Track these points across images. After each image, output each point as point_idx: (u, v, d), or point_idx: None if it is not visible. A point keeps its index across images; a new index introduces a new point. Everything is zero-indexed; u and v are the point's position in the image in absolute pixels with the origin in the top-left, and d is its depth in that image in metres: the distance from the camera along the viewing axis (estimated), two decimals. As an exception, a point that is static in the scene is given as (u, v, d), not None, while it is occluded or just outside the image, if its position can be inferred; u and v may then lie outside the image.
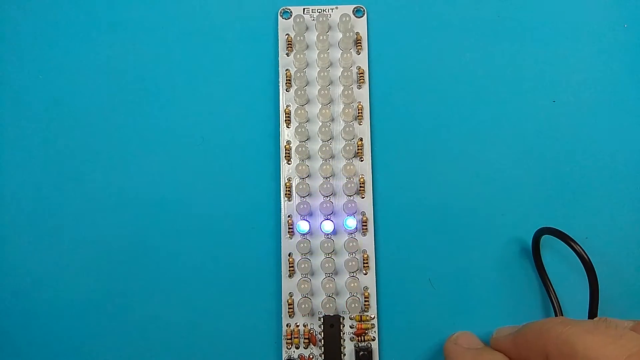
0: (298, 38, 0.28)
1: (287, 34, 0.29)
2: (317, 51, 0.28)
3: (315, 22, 0.29)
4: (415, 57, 0.29)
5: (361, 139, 0.28)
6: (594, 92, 0.29)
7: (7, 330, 0.27)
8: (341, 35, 0.29)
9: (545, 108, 0.29)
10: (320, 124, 0.28)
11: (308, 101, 0.28)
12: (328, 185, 0.27)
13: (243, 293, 0.27)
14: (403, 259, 0.28)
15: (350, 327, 0.27)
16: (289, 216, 0.27)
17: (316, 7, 0.29)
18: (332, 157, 0.28)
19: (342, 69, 0.28)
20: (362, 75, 0.28)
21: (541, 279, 0.27)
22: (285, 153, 0.28)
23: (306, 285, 0.26)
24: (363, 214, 0.27)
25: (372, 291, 0.27)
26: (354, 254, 0.27)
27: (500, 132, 0.28)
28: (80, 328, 0.27)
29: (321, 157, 0.28)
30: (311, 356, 0.27)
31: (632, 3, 0.29)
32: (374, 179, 0.28)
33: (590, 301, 0.25)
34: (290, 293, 0.27)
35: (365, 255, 0.27)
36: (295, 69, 0.28)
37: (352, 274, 0.27)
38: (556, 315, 0.26)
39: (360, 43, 0.29)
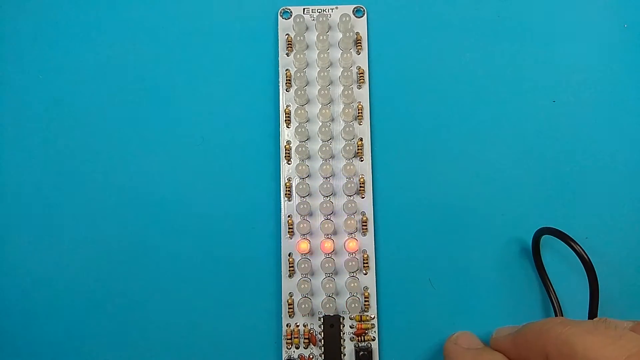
0: (298, 38, 0.28)
1: (287, 34, 0.29)
2: (317, 51, 0.28)
3: (315, 22, 0.29)
4: (415, 57, 0.29)
5: (361, 139, 0.28)
6: (594, 92, 0.29)
7: (6, 330, 0.27)
8: (341, 35, 0.29)
9: (545, 108, 0.29)
10: (320, 124, 0.28)
11: (308, 101, 0.28)
12: (328, 185, 0.27)
13: (243, 293, 0.27)
14: (403, 259, 0.28)
15: (350, 327, 0.27)
16: (289, 216, 0.27)
17: (316, 7, 0.29)
18: (332, 157, 0.28)
19: (342, 69, 0.28)
20: (362, 75, 0.28)
21: (541, 279, 0.27)
22: (285, 153, 0.28)
23: (306, 285, 0.26)
24: (363, 214, 0.27)
25: (372, 291, 0.27)
26: (354, 254, 0.27)
27: (500, 132, 0.28)
28: (80, 328, 0.27)
29: (321, 157, 0.28)
30: (311, 356, 0.27)
31: (632, 3, 0.29)
32: (374, 179, 0.28)
33: (590, 301, 0.25)
34: (290, 293, 0.27)
35: (365, 255, 0.27)
36: (295, 69, 0.28)
37: (352, 274, 0.27)
38: (556, 316, 0.26)
39: (360, 43, 0.29)
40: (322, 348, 0.26)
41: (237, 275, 0.27)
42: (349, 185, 0.27)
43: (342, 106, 0.28)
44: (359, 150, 0.28)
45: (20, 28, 0.29)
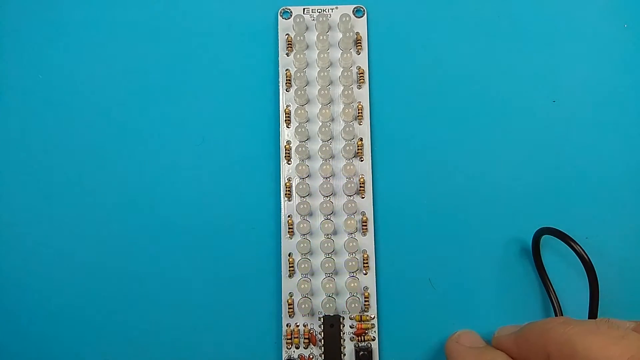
0: (298, 38, 0.28)
1: (287, 34, 0.29)
2: (317, 51, 0.28)
3: (315, 22, 0.29)
4: (415, 57, 0.29)
5: (361, 139, 0.28)
6: (594, 92, 0.29)
7: (6, 331, 0.27)
8: (341, 35, 0.29)
9: (545, 108, 0.29)
10: (320, 124, 0.28)
11: (308, 101, 0.28)
12: (328, 185, 0.27)
13: (243, 293, 0.27)
14: (403, 259, 0.28)
15: (350, 327, 0.27)
16: (289, 216, 0.27)
17: (316, 7, 0.29)
18: (332, 157, 0.28)
19: (342, 69, 0.28)
20: (362, 75, 0.28)
21: (541, 279, 0.27)
22: (285, 153, 0.28)
23: (306, 285, 0.26)
24: (363, 214, 0.27)
25: (372, 291, 0.27)
26: (354, 254, 0.27)
27: (500, 132, 0.28)
28: (80, 328, 0.27)
29: (321, 157, 0.28)
30: (311, 356, 0.27)
31: (632, 3, 0.29)
32: (374, 179, 0.28)
33: (590, 301, 0.25)
34: (290, 293, 0.27)
35: (365, 255, 0.27)
36: (295, 69, 0.28)
37: (352, 274, 0.27)
38: (556, 316, 0.26)
39: (360, 43, 0.29)
40: (322, 348, 0.26)
41: (237, 275, 0.27)
42: (349, 185, 0.27)
43: (342, 106, 0.28)
44: (359, 150, 0.28)
45: (20, 28, 0.29)
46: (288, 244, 0.27)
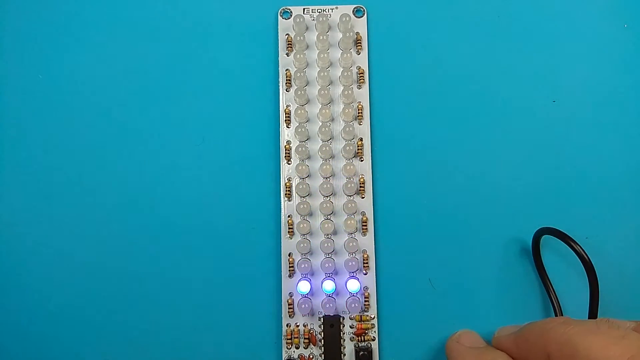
0: (298, 38, 0.28)
1: (287, 34, 0.29)
2: (317, 51, 0.28)
3: (315, 22, 0.29)
4: (415, 57, 0.29)
5: (361, 139, 0.28)
6: (594, 92, 0.29)
7: (6, 331, 0.27)
8: (341, 35, 0.29)
9: (545, 108, 0.29)
10: (320, 124, 0.28)
11: (308, 101, 0.28)
12: (328, 185, 0.27)
13: (243, 293, 0.27)
14: (403, 259, 0.28)
15: (350, 327, 0.27)
16: (289, 216, 0.27)
17: (316, 7, 0.29)
18: (332, 157, 0.28)
19: (342, 69, 0.28)
20: (362, 75, 0.28)
21: (541, 279, 0.27)
22: (285, 153, 0.28)
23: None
24: (363, 214, 0.27)
25: (372, 291, 0.27)
26: (354, 254, 0.27)
27: (500, 132, 0.28)
28: (79, 328, 0.27)
29: (321, 157, 0.28)
30: (311, 356, 0.27)
31: (632, 3, 0.29)
32: (374, 179, 0.28)
33: (590, 301, 0.25)
34: (290, 293, 0.27)
35: (365, 255, 0.27)
36: (295, 69, 0.28)
37: (352, 274, 0.27)
38: (556, 316, 0.26)
39: (360, 43, 0.29)
40: (322, 348, 0.26)
41: (237, 275, 0.27)
42: (349, 185, 0.27)
43: (342, 106, 0.28)
44: (359, 150, 0.28)
45: (20, 28, 0.29)
46: (288, 244, 0.27)
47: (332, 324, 0.27)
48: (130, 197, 0.28)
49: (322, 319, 0.27)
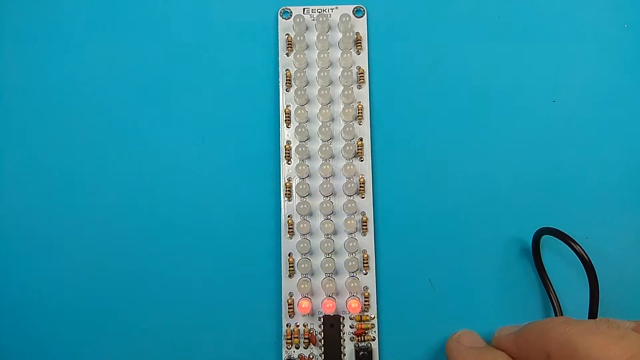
0: (298, 38, 0.28)
1: (287, 34, 0.29)
2: (317, 51, 0.28)
3: (315, 22, 0.29)
4: (415, 57, 0.29)
5: (361, 139, 0.28)
6: (594, 92, 0.29)
7: (6, 331, 0.27)
8: (341, 35, 0.29)
9: (545, 108, 0.29)
10: (320, 124, 0.28)
11: (308, 101, 0.28)
12: (328, 185, 0.27)
13: (243, 293, 0.27)
14: (403, 259, 0.28)
15: (350, 327, 0.27)
16: (289, 216, 0.27)
17: (316, 7, 0.29)
18: (332, 157, 0.28)
19: (342, 69, 0.28)
20: (362, 75, 0.28)
21: (541, 279, 0.27)
22: (285, 153, 0.28)
23: (306, 285, 0.26)
24: (363, 214, 0.27)
25: (372, 291, 0.27)
26: (354, 254, 0.27)
27: (500, 132, 0.28)
28: (79, 328, 0.27)
29: (321, 157, 0.28)
30: (311, 356, 0.27)
31: (632, 3, 0.29)
32: (374, 179, 0.28)
33: (590, 301, 0.25)
34: (290, 293, 0.27)
35: (365, 255, 0.27)
36: (295, 69, 0.28)
37: (352, 274, 0.27)
38: (556, 315, 0.26)
39: (360, 43, 0.29)
40: (322, 348, 0.26)
41: (237, 275, 0.27)
42: (349, 185, 0.27)
43: (342, 106, 0.28)
44: (359, 150, 0.28)
45: (21, 28, 0.29)
46: (288, 244, 0.27)
47: (332, 324, 0.27)
48: (130, 197, 0.28)
49: (322, 319, 0.27)
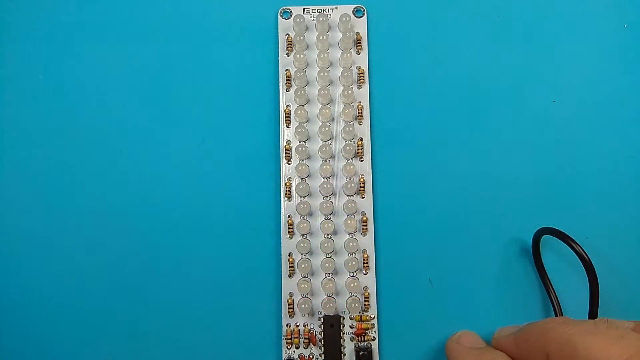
0: (298, 38, 0.28)
1: (287, 34, 0.29)
2: (317, 51, 0.28)
3: (315, 22, 0.29)
4: (415, 57, 0.29)
5: (361, 139, 0.28)
6: (594, 92, 0.29)
7: (6, 331, 0.27)
8: (341, 35, 0.29)
9: (545, 108, 0.29)
10: (320, 124, 0.28)
11: (308, 101, 0.28)
12: (328, 185, 0.27)
13: (243, 293, 0.27)
14: (403, 259, 0.28)
15: (350, 327, 0.27)
16: (289, 216, 0.27)
17: (316, 7, 0.29)
18: (332, 157, 0.28)
19: (342, 69, 0.28)
20: (362, 75, 0.28)
21: (541, 279, 0.27)
22: (285, 153, 0.28)
23: (306, 285, 0.26)
24: (363, 214, 0.27)
25: (372, 291, 0.27)
26: (354, 254, 0.27)
27: (500, 132, 0.28)
28: (79, 328, 0.27)
29: (321, 157, 0.28)
30: (311, 356, 0.27)
31: (632, 3, 0.29)
32: (374, 179, 0.28)
33: (590, 301, 0.24)
34: (290, 293, 0.27)
35: (365, 255, 0.27)
36: (295, 69, 0.28)
37: (352, 274, 0.27)
38: (556, 316, 0.26)
39: (360, 43, 0.29)
40: (322, 348, 0.26)
41: (237, 275, 0.27)
42: (349, 185, 0.27)
43: (342, 106, 0.28)
44: (359, 150, 0.28)
45: (21, 28, 0.29)
46: (288, 244, 0.27)
47: (332, 324, 0.27)
48: (131, 197, 0.28)
49: (322, 319, 0.27)
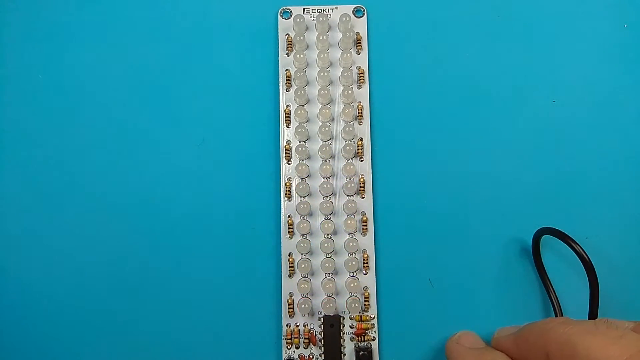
0: (298, 38, 0.28)
1: (287, 34, 0.29)
2: (317, 51, 0.28)
3: (315, 22, 0.29)
4: (415, 57, 0.29)
5: (361, 139, 0.28)
6: (594, 92, 0.29)
7: (6, 331, 0.27)
8: (341, 35, 0.29)
9: (545, 108, 0.29)
10: (320, 124, 0.28)
11: (308, 101, 0.28)
12: (328, 185, 0.27)
13: (243, 293, 0.27)
14: (403, 259, 0.28)
15: (350, 327, 0.27)
16: (289, 216, 0.27)
17: (316, 7, 0.29)
18: (332, 157, 0.28)
19: (342, 69, 0.28)
20: (362, 75, 0.28)
21: (541, 279, 0.27)
22: (285, 153, 0.28)
23: (306, 285, 0.26)
24: (363, 214, 0.27)
25: (372, 291, 0.27)
26: (354, 254, 0.27)
27: (500, 132, 0.28)
28: (79, 328, 0.27)
29: (321, 157, 0.28)
30: (311, 356, 0.27)
31: (632, 3, 0.29)
32: (374, 179, 0.28)
33: (590, 301, 0.24)
34: (290, 293, 0.27)
35: (365, 255, 0.27)
36: (295, 69, 0.28)
37: (352, 274, 0.27)
38: (556, 316, 0.26)
39: (360, 43, 0.29)
40: (322, 348, 0.26)
41: (237, 275, 0.27)
42: (349, 185, 0.27)
43: (342, 106, 0.28)
44: (359, 150, 0.28)
45: (21, 28, 0.29)
46: (288, 244, 0.27)
47: (332, 324, 0.27)
48: (130, 197, 0.28)
49: (322, 319, 0.27)
